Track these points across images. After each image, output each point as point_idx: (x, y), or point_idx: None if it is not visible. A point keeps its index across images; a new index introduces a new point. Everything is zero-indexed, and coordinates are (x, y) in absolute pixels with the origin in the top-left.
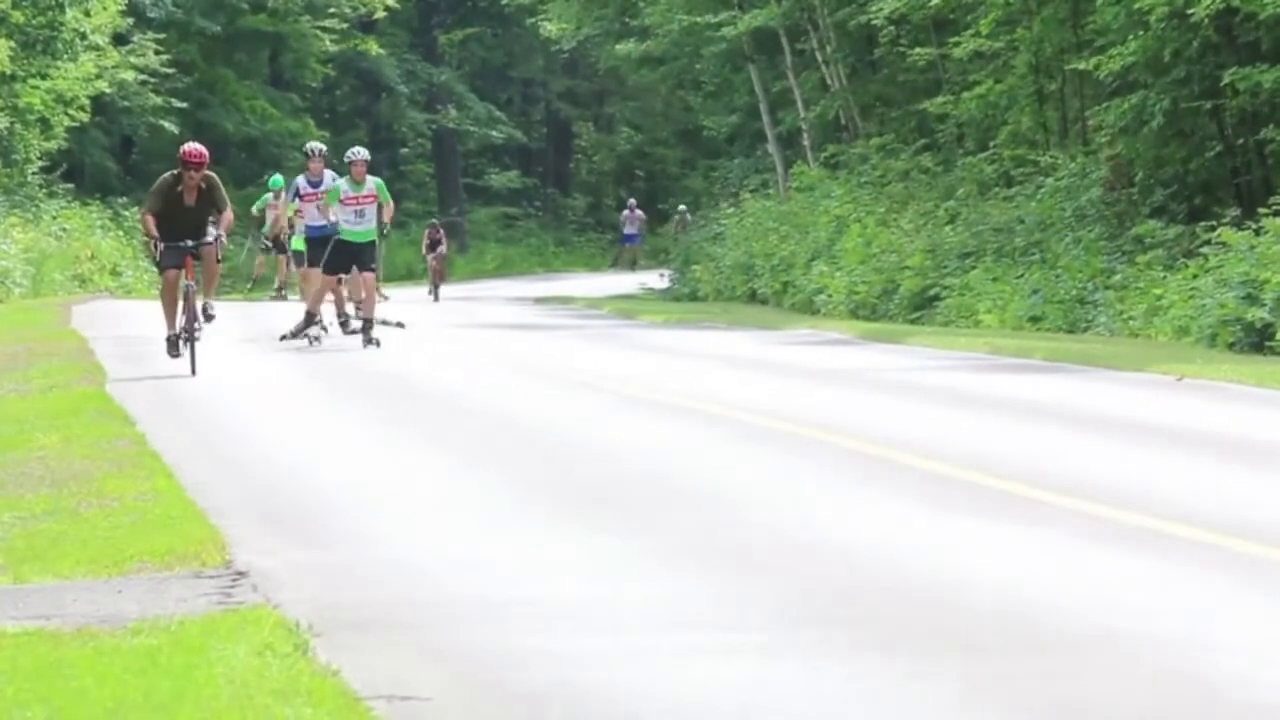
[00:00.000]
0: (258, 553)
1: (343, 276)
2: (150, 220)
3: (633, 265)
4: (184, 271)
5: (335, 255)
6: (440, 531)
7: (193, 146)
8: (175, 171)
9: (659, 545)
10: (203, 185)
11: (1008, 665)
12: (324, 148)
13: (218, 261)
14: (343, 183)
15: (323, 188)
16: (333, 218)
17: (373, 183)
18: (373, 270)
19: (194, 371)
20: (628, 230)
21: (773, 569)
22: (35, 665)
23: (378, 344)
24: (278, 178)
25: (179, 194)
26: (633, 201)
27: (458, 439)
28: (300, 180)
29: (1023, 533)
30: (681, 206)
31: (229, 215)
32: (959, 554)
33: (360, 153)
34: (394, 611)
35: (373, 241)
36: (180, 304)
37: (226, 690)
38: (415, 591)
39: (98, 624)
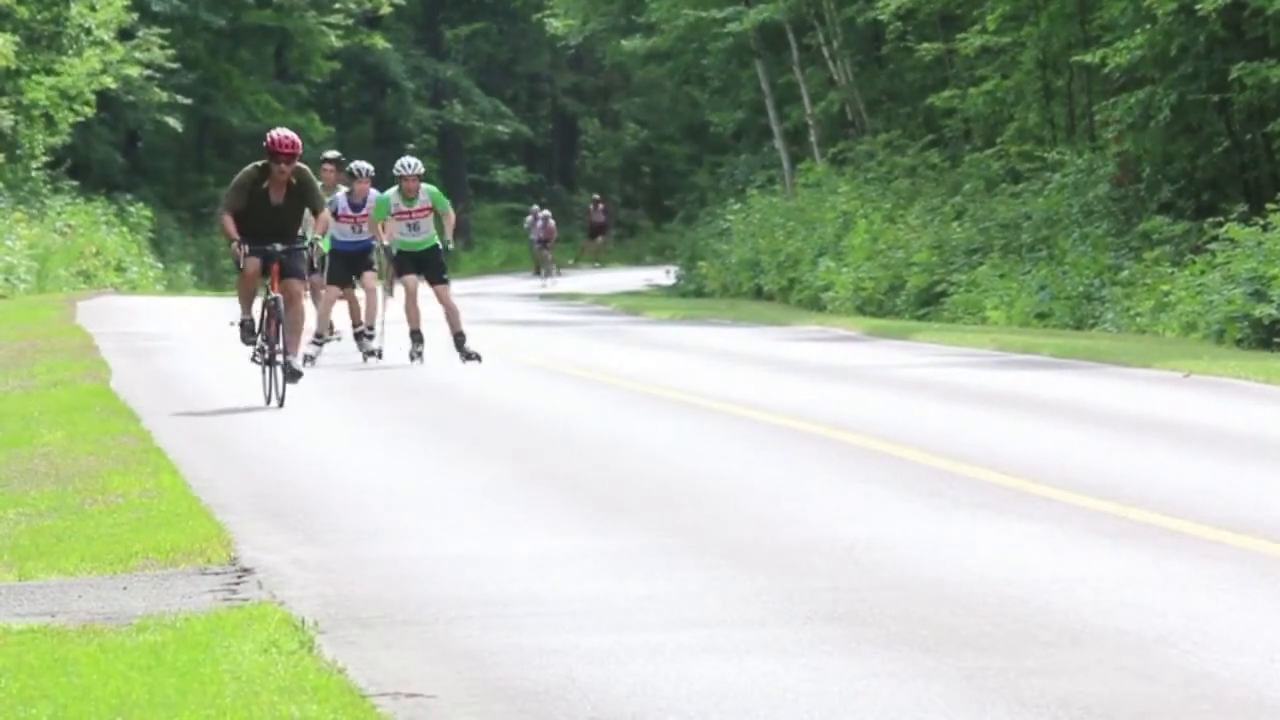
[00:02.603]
0: (263, 549)
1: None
2: (230, 221)
3: (595, 260)
4: (270, 281)
5: (335, 266)
6: (445, 528)
7: (283, 134)
8: (260, 164)
9: (664, 542)
10: (293, 180)
11: (1013, 662)
12: (370, 168)
13: (312, 270)
14: (391, 194)
15: (366, 209)
16: (386, 240)
17: (426, 193)
18: (446, 282)
19: (280, 402)
20: (595, 220)
21: (777, 566)
22: (40, 662)
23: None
24: None
25: (264, 191)
26: (596, 197)
27: (463, 436)
28: (340, 199)
29: (1029, 529)
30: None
31: (325, 216)
32: (965, 551)
33: (412, 165)
34: (399, 609)
35: (436, 247)
36: (260, 302)
37: (231, 687)
38: (420, 589)
39: (103, 621)
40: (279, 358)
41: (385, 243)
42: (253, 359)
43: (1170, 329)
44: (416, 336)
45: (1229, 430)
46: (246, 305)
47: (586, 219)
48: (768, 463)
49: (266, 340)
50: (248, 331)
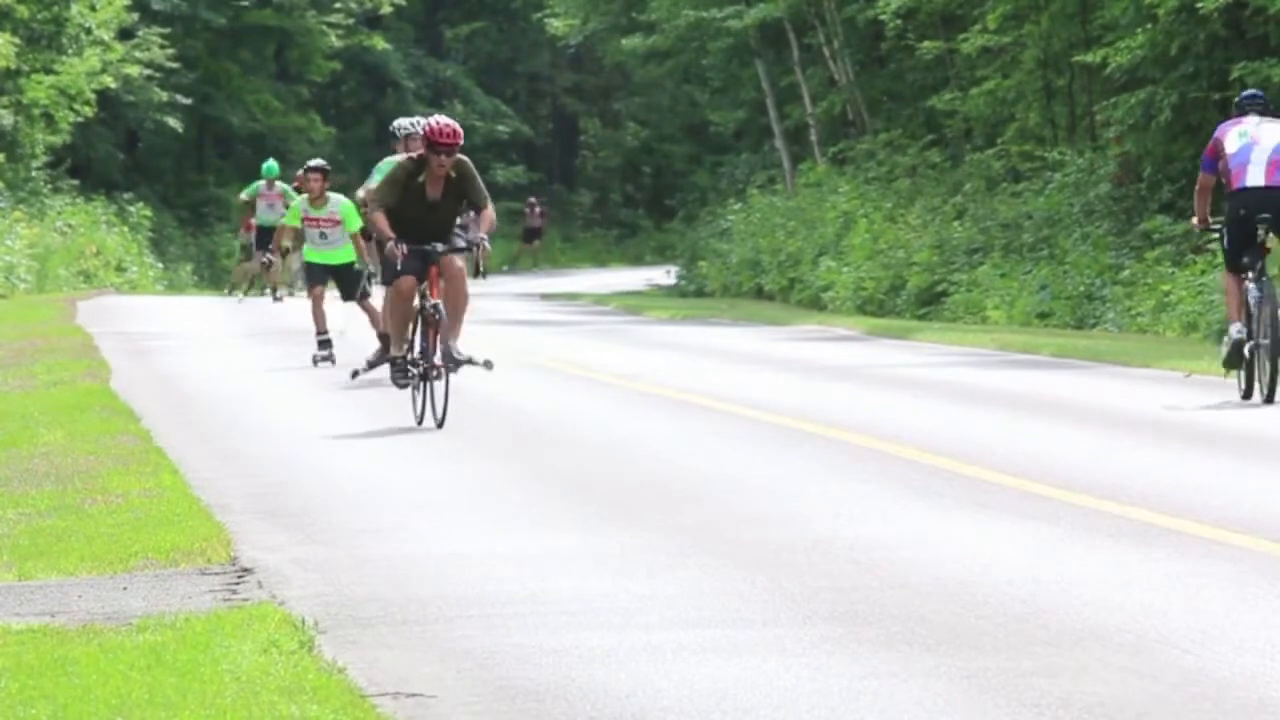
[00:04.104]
0: (263, 549)
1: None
2: (383, 219)
3: (533, 264)
4: (429, 285)
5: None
6: (445, 528)
7: (443, 122)
8: (416, 155)
9: (664, 542)
10: (452, 174)
11: (1014, 662)
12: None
13: (478, 273)
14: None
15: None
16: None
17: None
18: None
19: (440, 423)
20: (531, 224)
21: (778, 565)
22: (40, 662)
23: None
24: (272, 164)
25: (421, 185)
26: (532, 200)
27: (463, 435)
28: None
29: (1030, 529)
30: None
31: (490, 213)
32: (966, 550)
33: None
34: (399, 608)
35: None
36: (415, 321)
37: (232, 687)
38: (421, 588)
39: (102, 621)
40: (436, 369)
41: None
42: (396, 380)
43: (1171, 329)
44: (385, 343)
45: (1229, 430)
46: (400, 335)
47: (523, 222)
48: (768, 462)
49: (422, 353)
50: (401, 372)
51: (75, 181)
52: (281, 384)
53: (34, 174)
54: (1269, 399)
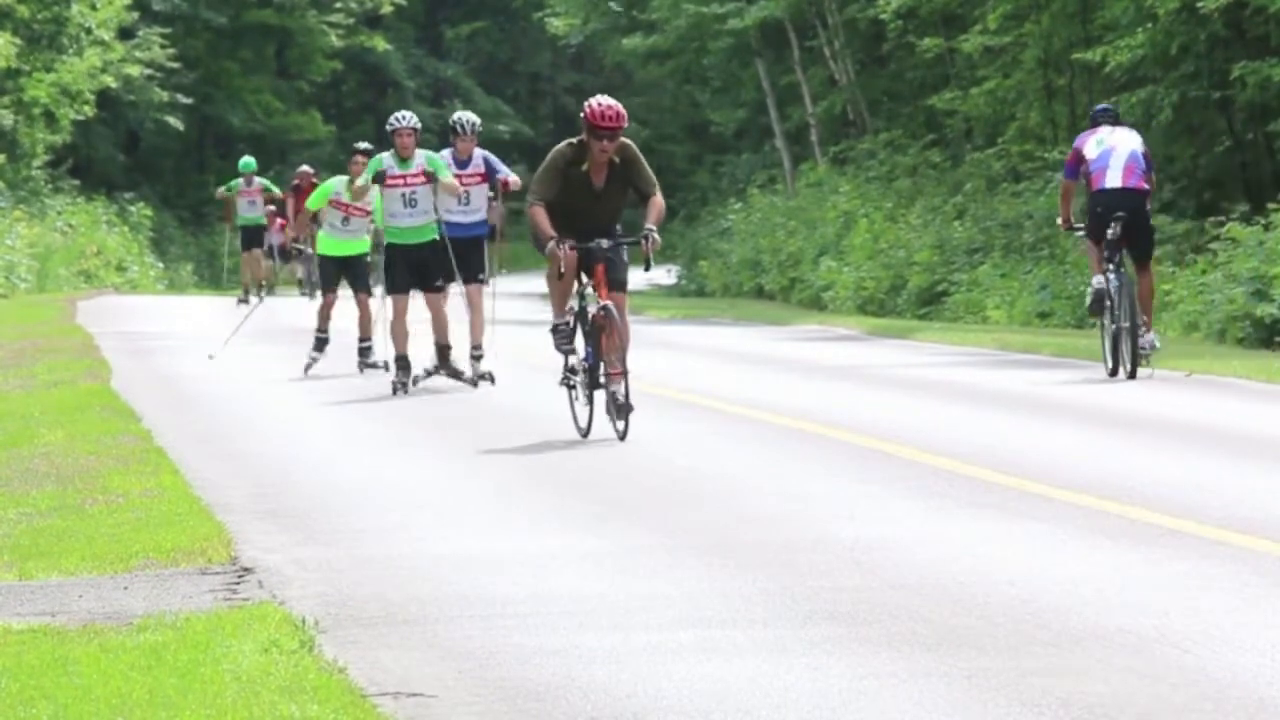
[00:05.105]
0: (263, 549)
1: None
2: (542, 214)
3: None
4: (596, 285)
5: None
6: (445, 528)
7: (606, 103)
8: (575, 140)
9: (664, 542)
10: (616, 159)
11: (1014, 662)
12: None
13: (646, 267)
14: (446, 154)
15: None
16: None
17: (423, 156)
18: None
19: (622, 435)
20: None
21: (778, 565)
22: (40, 662)
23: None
24: (249, 159)
25: (584, 174)
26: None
27: (463, 435)
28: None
29: (1029, 529)
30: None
31: (659, 201)
32: (967, 550)
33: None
34: (400, 608)
35: (434, 241)
36: (574, 306)
37: (232, 687)
38: (421, 588)
39: (103, 620)
40: (602, 380)
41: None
42: (563, 382)
43: (1172, 328)
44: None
45: (1229, 430)
46: (561, 305)
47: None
48: (768, 462)
49: (587, 359)
50: (564, 337)
51: (76, 181)
52: (282, 384)
53: (34, 174)
54: (1131, 375)
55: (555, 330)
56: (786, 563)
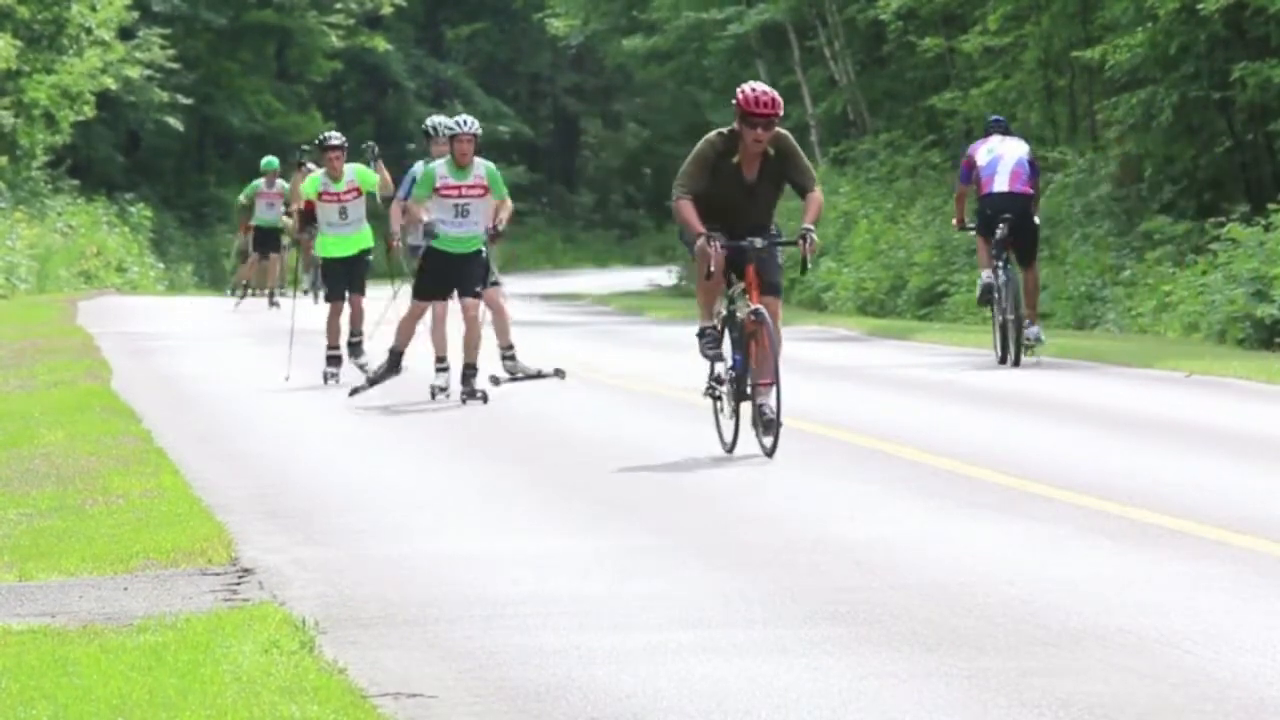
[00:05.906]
0: (264, 550)
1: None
2: (690, 209)
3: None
4: (747, 288)
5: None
6: (445, 528)
7: (760, 90)
8: (726, 130)
9: (664, 542)
10: (770, 150)
11: (1014, 662)
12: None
13: (804, 269)
14: (440, 165)
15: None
16: (425, 217)
17: (483, 168)
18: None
19: (770, 451)
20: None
21: (778, 565)
22: (41, 662)
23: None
24: (272, 159)
25: (735, 166)
26: None
27: (462, 436)
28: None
29: (1029, 529)
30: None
31: (819, 197)
32: (966, 551)
33: (468, 123)
34: (400, 609)
35: (479, 251)
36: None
37: (232, 687)
38: (421, 589)
39: (103, 621)
40: (767, 411)
41: (426, 218)
42: (708, 392)
43: (1172, 329)
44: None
45: (1229, 430)
46: (709, 308)
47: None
48: (768, 462)
49: (735, 367)
50: (711, 342)
51: (76, 182)
52: (282, 384)
53: (34, 174)
54: (1016, 363)
55: (702, 335)
56: (786, 563)
